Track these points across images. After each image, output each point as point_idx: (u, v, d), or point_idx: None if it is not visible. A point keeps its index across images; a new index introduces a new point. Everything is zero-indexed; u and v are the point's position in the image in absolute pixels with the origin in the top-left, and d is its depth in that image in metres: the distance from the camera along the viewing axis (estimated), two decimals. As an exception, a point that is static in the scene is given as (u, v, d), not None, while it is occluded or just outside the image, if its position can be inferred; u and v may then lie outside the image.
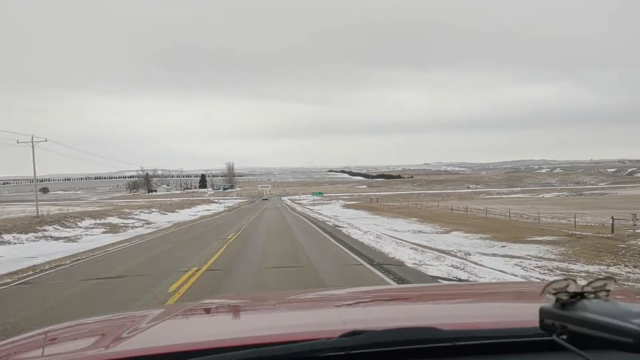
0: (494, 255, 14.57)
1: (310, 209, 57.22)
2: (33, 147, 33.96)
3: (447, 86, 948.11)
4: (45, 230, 27.42)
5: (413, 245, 14.36)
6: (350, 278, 9.41)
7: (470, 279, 9.08)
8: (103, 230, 30.68)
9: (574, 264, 12.83)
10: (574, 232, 21.38)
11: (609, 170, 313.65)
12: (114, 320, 1.79)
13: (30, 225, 27.76)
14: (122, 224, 35.55)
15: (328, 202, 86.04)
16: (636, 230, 21.88)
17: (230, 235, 21.71)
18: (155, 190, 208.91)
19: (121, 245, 19.22)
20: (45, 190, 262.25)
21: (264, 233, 22.53)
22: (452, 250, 15.43)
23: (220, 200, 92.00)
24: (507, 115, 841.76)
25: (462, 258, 13.07)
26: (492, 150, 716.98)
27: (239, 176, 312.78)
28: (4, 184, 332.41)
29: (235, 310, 1.82)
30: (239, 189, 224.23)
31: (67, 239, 24.85)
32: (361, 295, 2.18)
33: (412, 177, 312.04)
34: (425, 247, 14.98)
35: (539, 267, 12.11)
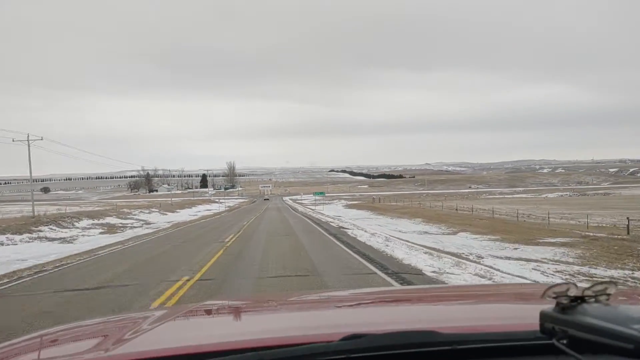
0: (508, 258, 13.81)
1: (312, 209, 56.47)
2: (29, 146, 33.29)
3: (447, 86, 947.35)
4: (40, 231, 26.71)
5: (427, 250, 13.29)
6: (365, 292, 8.49)
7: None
8: (100, 230, 29.96)
9: (595, 268, 12.07)
10: (586, 233, 20.60)
11: (611, 170, 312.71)
12: (114, 322, 1.77)
13: (26, 226, 27.05)
14: (121, 225, 34.83)
15: (330, 202, 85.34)
16: (651, 232, 21.11)
17: (229, 237, 20.61)
18: (157, 190, 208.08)
19: (114, 247, 18.21)
20: (46, 190, 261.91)
21: (264, 235, 21.36)
22: (463, 253, 14.68)
23: (221, 200, 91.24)
24: (507, 115, 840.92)
25: (475, 262, 12.32)
26: (493, 150, 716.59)
27: (240, 176, 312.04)
28: (5, 183, 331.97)
29: (236, 312, 1.81)
30: (240, 188, 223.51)
31: (63, 240, 24.13)
32: (363, 296, 2.17)
33: (413, 177, 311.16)
34: (440, 251, 14.09)
35: (558, 271, 11.35)
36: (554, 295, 0.90)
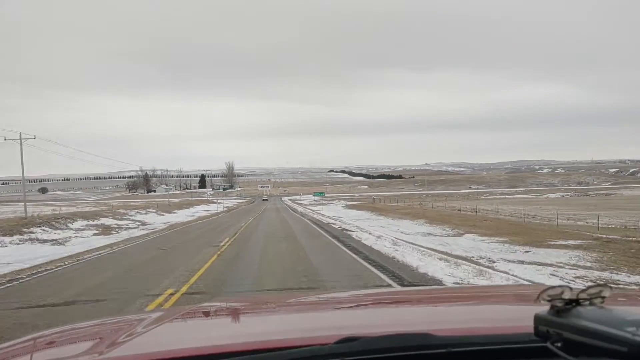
0: (521, 262, 13.01)
1: (312, 210, 55.67)
2: (21, 145, 32.48)
3: (447, 86, 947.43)
4: (32, 233, 25.92)
5: (441, 255, 12.16)
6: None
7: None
8: (94, 232, 29.16)
9: (617, 273, 11.28)
10: (598, 235, 19.81)
11: (611, 170, 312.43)
12: (110, 324, 1.74)
13: (17, 227, 26.24)
14: (116, 225, 34.03)
15: (329, 202, 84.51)
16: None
17: (225, 240, 19.24)
18: (155, 191, 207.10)
19: (103, 251, 17.17)
20: (44, 190, 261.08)
21: (263, 238, 20.00)
22: (473, 257, 13.89)
23: (219, 201, 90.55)
24: (506, 115, 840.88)
25: (488, 267, 11.52)
26: (492, 150, 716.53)
27: (238, 176, 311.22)
28: (3, 184, 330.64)
29: (233, 314, 1.79)
30: (238, 189, 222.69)
31: (54, 242, 23.34)
32: (362, 298, 2.15)
33: (413, 177, 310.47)
34: (449, 254, 13.22)
35: (578, 277, 10.57)
36: (549, 298, 0.90)
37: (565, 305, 0.89)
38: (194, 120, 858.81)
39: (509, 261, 13.15)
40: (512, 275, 10.20)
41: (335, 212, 49.70)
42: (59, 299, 8.40)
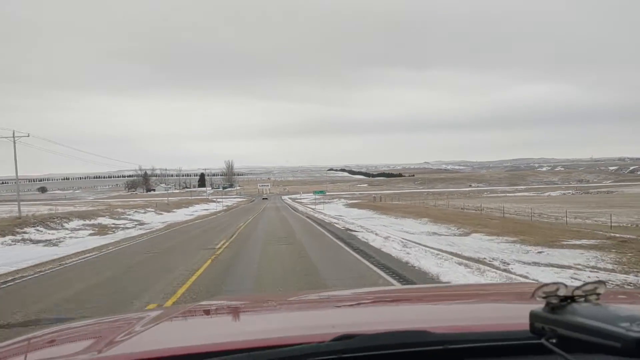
0: (537, 264, 12.30)
1: (313, 209, 54.94)
2: (14, 143, 31.74)
3: (446, 85, 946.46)
4: (25, 233, 25.22)
5: (461, 260, 11.00)
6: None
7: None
8: (90, 232, 28.47)
9: (642, 276, 10.56)
10: (611, 234, 19.09)
11: (611, 168, 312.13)
12: (108, 322, 1.74)
13: (10, 227, 25.55)
14: (113, 225, 33.32)
15: (330, 201, 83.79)
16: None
17: (221, 242, 17.77)
18: (154, 190, 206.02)
19: (93, 254, 16.18)
20: (43, 189, 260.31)
21: (262, 240, 18.71)
22: (485, 258, 13.18)
23: (218, 200, 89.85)
24: (505, 113, 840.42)
25: (504, 270, 10.80)
26: (492, 148, 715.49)
27: (238, 175, 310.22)
28: (2, 183, 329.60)
29: (232, 313, 1.80)
30: (238, 188, 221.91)
31: (48, 243, 22.65)
32: (363, 296, 2.14)
33: (413, 175, 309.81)
34: (469, 258, 12.26)
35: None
36: (544, 295, 0.91)
37: (561, 302, 0.89)
38: (193, 120, 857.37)
39: (524, 263, 12.43)
40: (532, 279, 9.48)
41: (336, 211, 48.99)
42: (20, 317, 7.28)
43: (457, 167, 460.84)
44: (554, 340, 0.87)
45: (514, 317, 1.15)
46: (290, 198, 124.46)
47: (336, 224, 27.03)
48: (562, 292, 0.90)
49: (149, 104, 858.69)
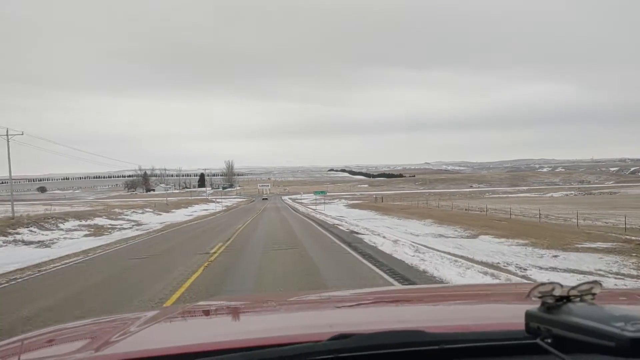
0: (555, 269, 11.55)
1: (314, 209, 54.14)
2: (8, 141, 31.01)
3: (446, 85, 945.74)
4: (18, 234, 24.45)
5: (483, 268, 9.91)
6: None
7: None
8: (86, 232, 27.71)
9: (673, 283, 9.81)
10: (627, 237, 18.32)
11: (611, 169, 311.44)
12: (105, 322, 1.71)
13: (2, 228, 24.77)
14: (109, 226, 32.57)
15: (330, 201, 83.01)
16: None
17: (218, 246, 16.49)
18: (154, 190, 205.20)
19: (81, 257, 15.16)
20: (42, 189, 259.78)
21: (262, 243, 17.48)
22: (499, 263, 12.41)
23: (218, 200, 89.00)
24: (505, 113, 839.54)
25: (522, 277, 10.03)
26: (492, 149, 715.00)
27: (238, 175, 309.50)
28: (1, 183, 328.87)
29: (230, 312, 1.79)
30: (238, 188, 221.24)
31: (40, 244, 21.87)
32: (363, 296, 2.14)
33: (413, 176, 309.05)
34: (482, 263, 11.38)
35: (630, 289, 9.08)
36: (540, 295, 0.92)
37: (556, 302, 0.90)
38: (193, 120, 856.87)
39: (541, 268, 11.67)
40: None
41: (338, 212, 48.22)
42: None
43: (457, 168, 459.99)
44: (549, 340, 0.87)
45: (510, 317, 1.14)
46: (290, 198, 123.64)
47: (339, 225, 26.04)
48: (557, 292, 0.90)
49: (149, 104, 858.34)
